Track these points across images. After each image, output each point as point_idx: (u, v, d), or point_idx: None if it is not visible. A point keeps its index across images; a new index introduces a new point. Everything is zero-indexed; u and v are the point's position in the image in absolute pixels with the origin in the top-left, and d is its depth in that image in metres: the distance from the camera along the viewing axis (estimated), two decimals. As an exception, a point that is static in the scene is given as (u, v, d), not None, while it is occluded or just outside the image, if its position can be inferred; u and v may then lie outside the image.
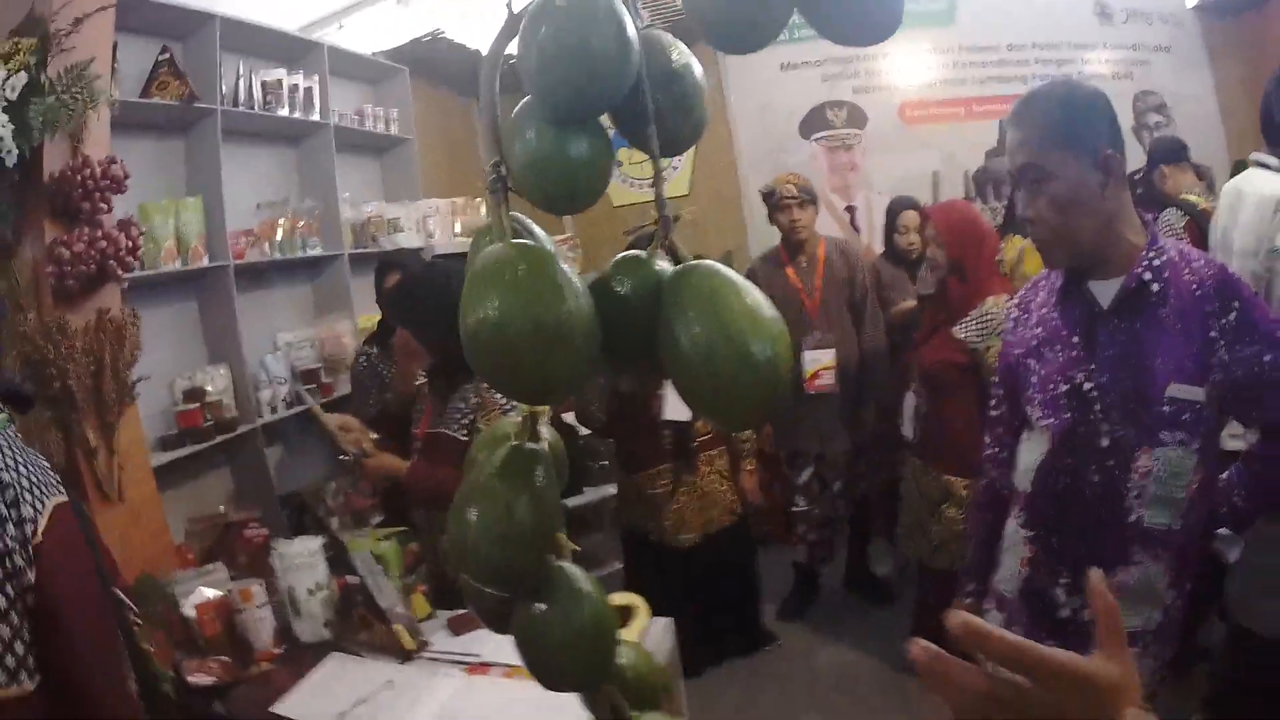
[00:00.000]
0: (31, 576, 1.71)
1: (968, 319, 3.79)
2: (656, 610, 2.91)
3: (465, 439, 3.33)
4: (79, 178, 3.08)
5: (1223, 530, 2.45)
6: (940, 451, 3.93)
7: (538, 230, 1.21)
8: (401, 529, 3.42)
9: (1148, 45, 7.46)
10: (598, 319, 1.09)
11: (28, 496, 1.77)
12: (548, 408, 1.33)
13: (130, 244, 3.23)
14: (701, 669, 4.71)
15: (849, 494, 5.30)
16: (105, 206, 3.19)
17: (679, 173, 7.58)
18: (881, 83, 7.47)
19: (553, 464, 1.32)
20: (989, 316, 3.70)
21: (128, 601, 2.00)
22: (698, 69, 1.17)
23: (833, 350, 5.02)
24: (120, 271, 3.22)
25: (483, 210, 6.68)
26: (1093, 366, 2.16)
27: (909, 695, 4.50)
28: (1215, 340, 2.06)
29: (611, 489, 5.49)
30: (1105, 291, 2.17)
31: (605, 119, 1.12)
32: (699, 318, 1.07)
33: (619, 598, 2.75)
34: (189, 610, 2.98)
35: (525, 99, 1.10)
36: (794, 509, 5.29)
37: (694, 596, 4.34)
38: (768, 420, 1.18)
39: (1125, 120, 7.10)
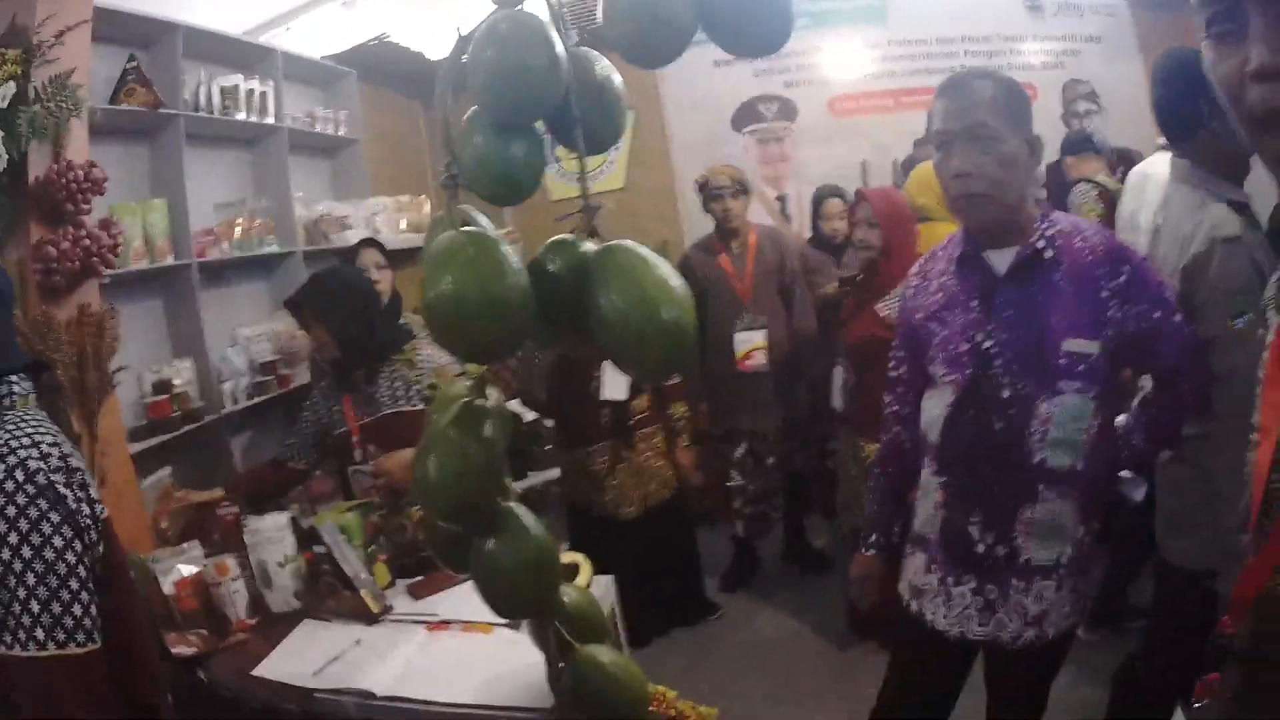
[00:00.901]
0: (100, 549, 1.93)
1: (891, 297, 3.97)
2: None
3: (424, 407, 3.57)
4: (63, 180, 3.24)
5: (1124, 472, 2.64)
6: (869, 421, 3.96)
7: (483, 220, 1.38)
8: (366, 502, 3.56)
9: (1079, 36, 7.60)
10: (533, 292, 1.28)
11: (89, 478, 1.96)
12: (492, 377, 1.55)
13: (111, 241, 3.42)
14: (648, 638, 4.91)
15: (783, 468, 5.42)
16: (87, 207, 3.36)
17: (614, 167, 7.75)
18: (812, 77, 7.57)
19: (499, 419, 1.52)
20: None
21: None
22: (618, 80, 1.38)
23: (764, 331, 5.19)
24: (102, 268, 3.40)
25: (426, 208, 6.83)
26: (990, 327, 2.33)
27: (848, 661, 4.70)
28: (1107, 300, 2.26)
29: (555, 473, 5.71)
30: (1001, 260, 2.36)
31: (541, 125, 1.31)
32: (617, 287, 1.25)
33: (563, 556, 2.95)
34: (168, 588, 3.11)
35: (474, 108, 1.29)
36: (730, 484, 5.40)
37: (637, 567, 4.40)
38: (676, 370, 1.31)
39: (1054, 108, 7.46)
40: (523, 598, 1.60)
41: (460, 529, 1.53)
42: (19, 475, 1.80)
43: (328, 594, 3.15)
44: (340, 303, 3.70)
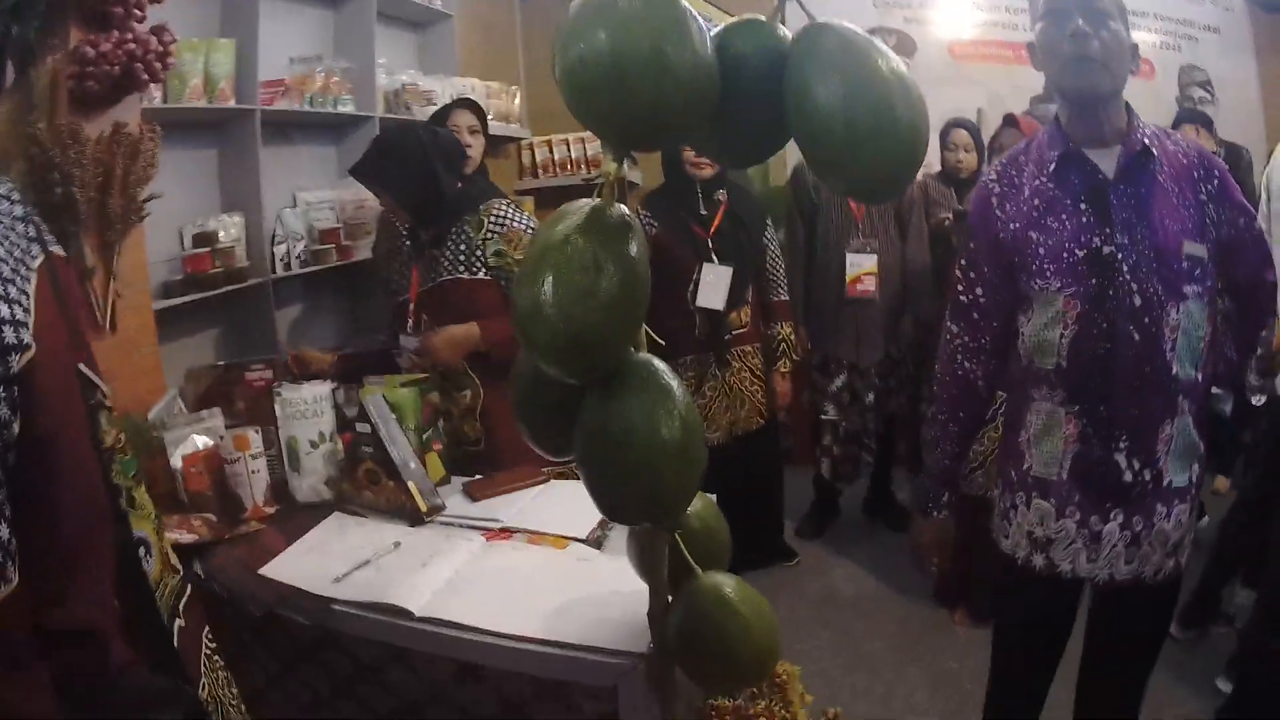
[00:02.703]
0: (15, 429, 1.27)
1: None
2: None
3: (488, 277, 3.27)
4: None
5: (1215, 389, 2.54)
6: None
7: None
8: (422, 376, 3.19)
9: (1197, 23, 7.45)
10: (717, 72, 1.03)
11: (6, 311, 1.29)
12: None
13: (161, 48, 2.97)
14: (714, 578, 4.50)
15: (879, 409, 5.15)
16: (139, 13, 2.94)
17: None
18: (932, 16, 7.37)
19: (640, 228, 1.20)
20: None
21: (97, 381, 1.55)
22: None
23: (875, 257, 4.92)
24: (145, 78, 2.95)
25: (518, 100, 6.44)
26: (1107, 230, 2.21)
27: (923, 622, 4.45)
28: (1205, 203, 2.24)
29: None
30: (1105, 160, 2.25)
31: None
32: (839, 74, 1.01)
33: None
34: (175, 461, 2.79)
35: None
36: (823, 416, 5.14)
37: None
38: (899, 188, 1.06)
39: (1170, 89, 7.35)
40: (651, 490, 1.14)
41: (575, 378, 1.08)
42: None
43: (367, 483, 2.76)
44: (407, 163, 3.32)
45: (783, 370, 4.57)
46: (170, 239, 3.96)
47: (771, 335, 4.61)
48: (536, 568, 2.34)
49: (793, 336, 4.66)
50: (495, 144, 6.12)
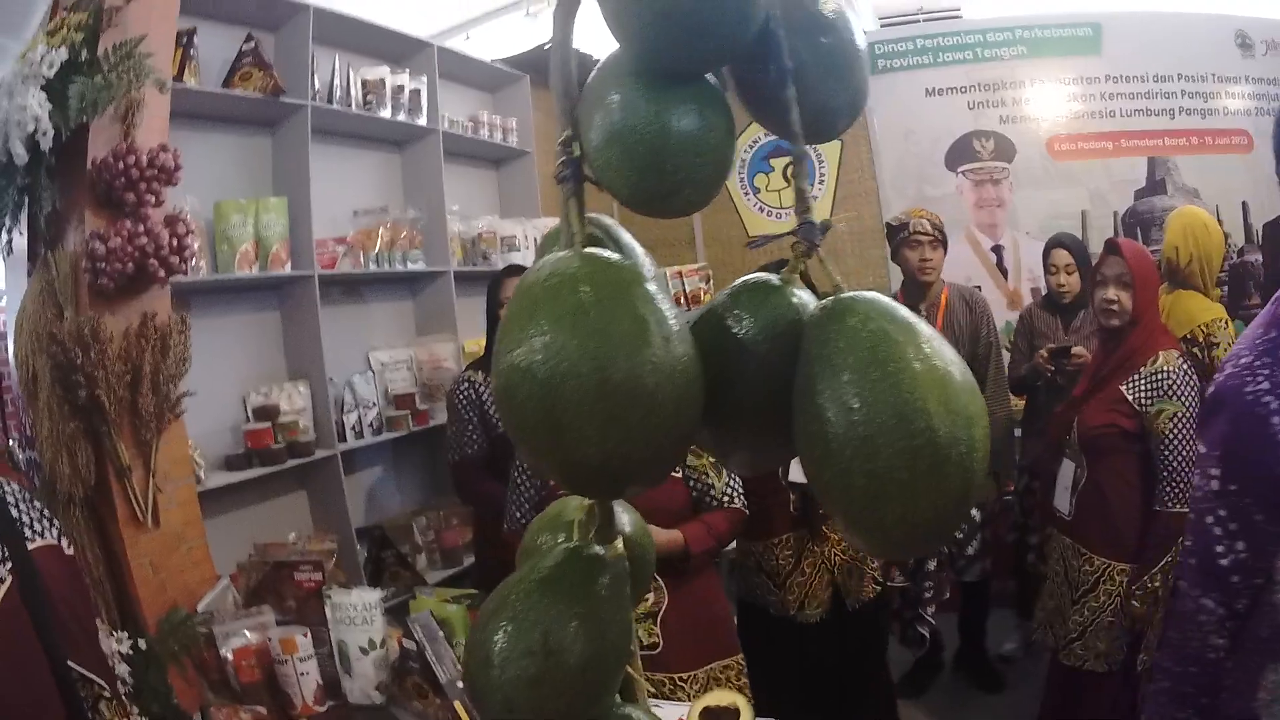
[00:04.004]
0: None
1: (1139, 375, 3.32)
2: (774, 694, 2.62)
3: (677, 475, 3.04)
4: (121, 165, 2.76)
5: None
6: (1097, 528, 3.44)
7: (625, 238, 0.96)
8: (473, 591, 3.02)
9: None
10: (702, 372, 0.78)
11: None
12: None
13: (176, 242, 2.88)
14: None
15: (948, 571, 4.79)
16: (153, 199, 2.86)
17: (818, 200, 6.95)
18: (1028, 112, 6.94)
19: (625, 570, 0.95)
20: (1162, 375, 3.25)
21: (92, 676, 1.62)
22: (854, 20, 0.88)
23: None
24: (162, 272, 2.86)
25: (609, 234, 6.29)
26: None
27: None
28: None
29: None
30: None
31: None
32: (858, 380, 0.73)
33: (718, 696, 2.28)
34: (226, 653, 2.69)
35: (610, 55, 0.85)
36: (889, 584, 4.52)
37: (820, 679, 3.79)
38: (941, 541, 0.85)
39: (1270, 160, 6.88)
40: None
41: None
42: None
43: (415, 694, 2.60)
44: None
45: None
46: (234, 406, 3.87)
47: None
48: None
49: None
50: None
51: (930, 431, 0.70)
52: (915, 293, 4.67)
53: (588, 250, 0.80)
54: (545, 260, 0.79)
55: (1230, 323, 3.98)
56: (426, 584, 4.27)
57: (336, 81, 4.42)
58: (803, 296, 0.86)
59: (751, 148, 6.95)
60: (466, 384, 4.03)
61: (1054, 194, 6.78)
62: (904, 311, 0.77)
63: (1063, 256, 4.80)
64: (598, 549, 0.93)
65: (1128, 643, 3.34)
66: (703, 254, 6.86)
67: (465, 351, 5.02)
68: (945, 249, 4.69)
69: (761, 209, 6.83)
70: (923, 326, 0.77)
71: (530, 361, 0.72)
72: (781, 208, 6.95)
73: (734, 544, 3.92)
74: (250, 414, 3.86)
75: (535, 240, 5.61)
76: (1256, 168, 6.60)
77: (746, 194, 6.99)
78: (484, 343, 4.52)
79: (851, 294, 0.79)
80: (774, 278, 0.88)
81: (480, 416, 3.94)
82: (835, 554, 3.90)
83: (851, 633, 3.97)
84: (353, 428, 4.29)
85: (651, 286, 0.77)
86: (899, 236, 4.63)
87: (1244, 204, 6.52)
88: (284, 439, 3.83)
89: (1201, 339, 3.85)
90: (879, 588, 3.99)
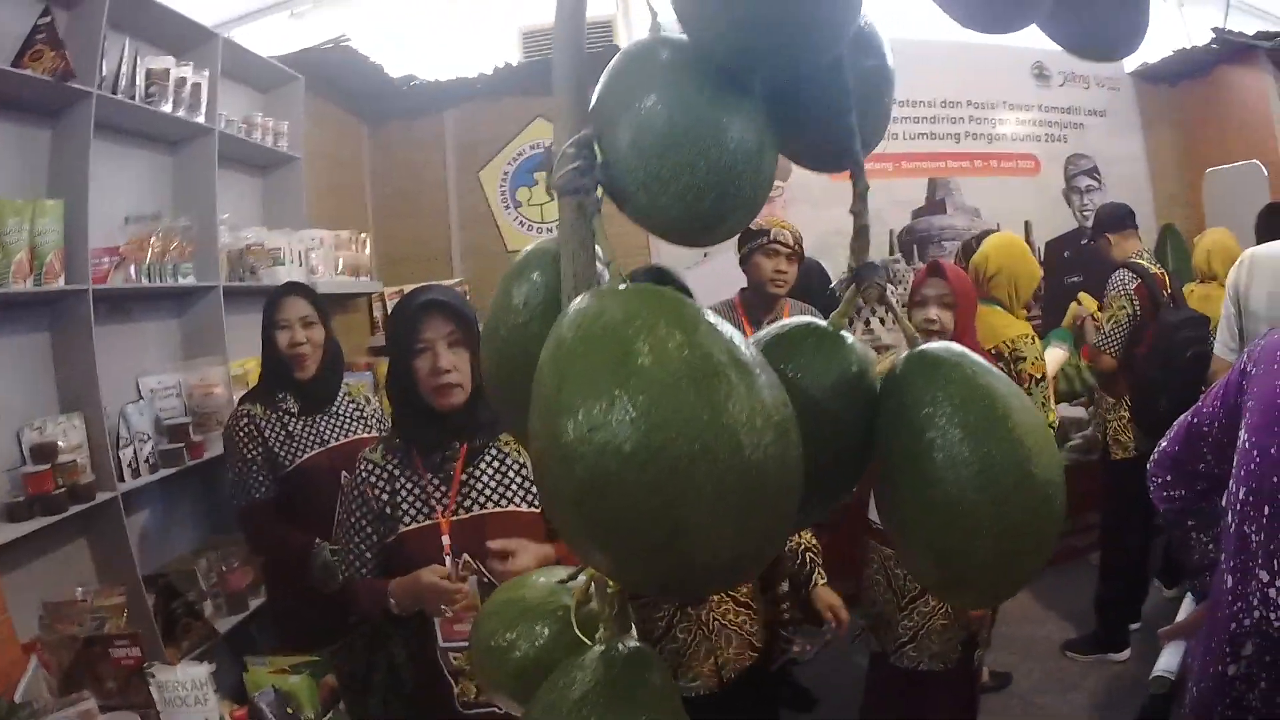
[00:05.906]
0: None
1: None
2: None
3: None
4: None
5: None
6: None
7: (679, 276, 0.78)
8: (312, 659, 2.72)
9: (1083, 109, 7.65)
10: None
11: None
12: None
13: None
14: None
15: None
16: None
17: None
18: None
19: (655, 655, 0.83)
20: None
21: None
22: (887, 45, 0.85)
23: None
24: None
25: (368, 249, 5.91)
26: None
27: None
28: None
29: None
30: None
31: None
32: (972, 437, 0.69)
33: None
34: None
35: (646, 40, 0.75)
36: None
37: None
38: (1025, 583, 0.75)
39: (1056, 183, 7.25)
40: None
41: None
42: None
43: None
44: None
45: (821, 582, 3.57)
46: (8, 443, 3.42)
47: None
48: None
49: (814, 542, 3.71)
50: (345, 301, 5.83)
51: (1051, 485, 0.70)
52: (759, 303, 4.47)
53: (643, 285, 0.65)
54: (584, 308, 0.64)
55: (1037, 339, 4.13)
56: (218, 634, 3.93)
57: (124, 70, 3.95)
58: (854, 341, 0.82)
59: (516, 160, 6.77)
60: (246, 419, 3.65)
61: (829, 211, 6.84)
62: (980, 361, 0.75)
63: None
64: (632, 642, 0.81)
65: (962, 640, 3.49)
66: (459, 268, 6.66)
67: (232, 375, 4.60)
68: (800, 264, 4.54)
69: (521, 223, 6.70)
70: (997, 379, 0.75)
71: (617, 440, 0.56)
72: (543, 222, 6.86)
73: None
74: (27, 454, 3.37)
75: (301, 254, 5.22)
76: (1043, 190, 7.29)
77: (507, 207, 6.86)
78: (255, 367, 4.15)
79: (930, 345, 0.77)
80: (823, 323, 0.82)
81: (265, 455, 3.59)
82: (713, 618, 3.35)
83: (742, 707, 3.44)
84: (129, 464, 3.81)
85: (728, 329, 0.63)
86: (755, 242, 4.40)
87: (1026, 223, 7.10)
88: (65, 481, 3.35)
89: (1007, 353, 3.95)
90: (754, 655, 3.44)
